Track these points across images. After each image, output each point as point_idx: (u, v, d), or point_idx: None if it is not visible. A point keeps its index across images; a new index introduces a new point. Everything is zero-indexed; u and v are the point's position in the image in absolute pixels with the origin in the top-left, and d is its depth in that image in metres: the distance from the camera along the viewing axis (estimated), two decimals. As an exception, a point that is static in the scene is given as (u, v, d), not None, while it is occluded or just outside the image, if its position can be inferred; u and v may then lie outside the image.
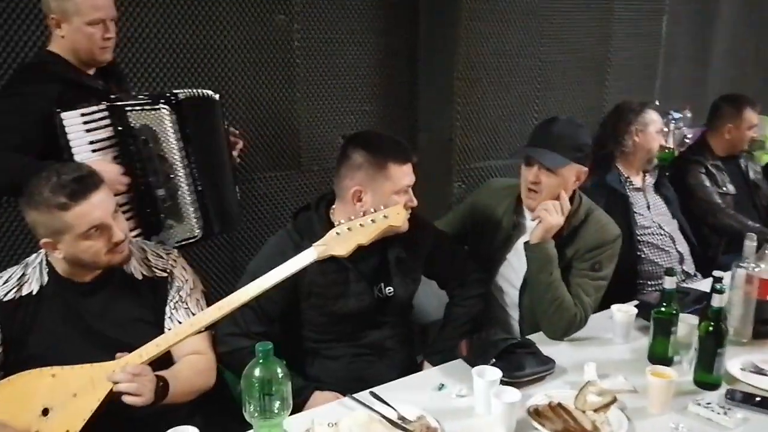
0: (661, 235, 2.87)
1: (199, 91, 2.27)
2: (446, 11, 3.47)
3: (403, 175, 1.91)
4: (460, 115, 3.55)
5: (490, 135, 3.69)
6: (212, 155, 2.32)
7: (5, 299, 1.73)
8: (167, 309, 1.83)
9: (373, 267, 2.02)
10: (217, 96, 2.33)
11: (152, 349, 1.64)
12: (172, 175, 2.19)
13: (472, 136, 3.62)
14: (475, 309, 2.20)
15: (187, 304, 1.85)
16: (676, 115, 4.51)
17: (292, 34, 3.20)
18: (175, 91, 2.20)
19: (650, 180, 2.99)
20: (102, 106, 2.11)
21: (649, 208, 2.92)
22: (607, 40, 4.02)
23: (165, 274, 1.86)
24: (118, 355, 1.64)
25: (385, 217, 1.69)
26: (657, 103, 4.34)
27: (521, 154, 2.19)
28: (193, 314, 1.82)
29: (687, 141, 4.37)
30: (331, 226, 1.75)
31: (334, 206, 2.02)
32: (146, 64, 2.85)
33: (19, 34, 2.56)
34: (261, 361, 1.40)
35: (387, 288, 2.04)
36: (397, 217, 1.71)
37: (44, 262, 1.78)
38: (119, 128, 2.13)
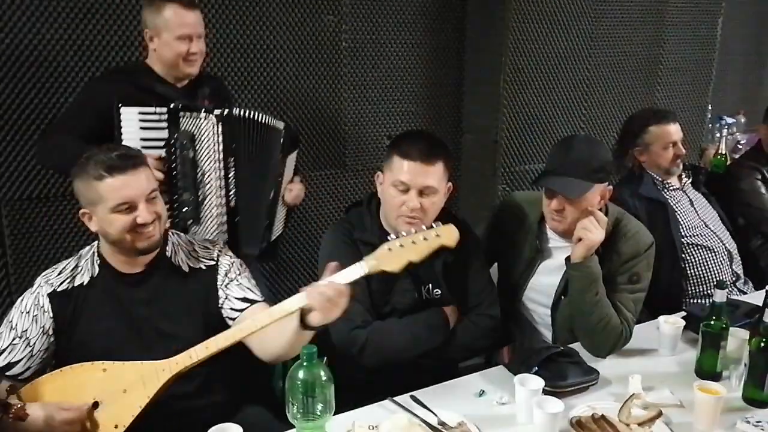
0: (709, 234, 2.79)
1: (266, 117, 2.32)
2: (494, 12, 3.44)
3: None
4: (506, 117, 3.52)
5: (536, 137, 3.65)
6: (258, 179, 2.34)
7: (59, 289, 1.79)
8: (220, 293, 1.85)
9: (423, 268, 2.00)
10: (281, 125, 2.35)
11: (201, 351, 1.65)
12: (201, 183, 2.25)
13: (518, 139, 3.59)
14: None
15: (238, 280, 1.88)
16: (729, 120, 4.39)
17: (341, 35, 3.23)
18: (254, 113, 2.29)
19: (686, 180, 2.90)
20: (162, 110, 2.21)
21: (692, 204, 2.83)
22: (659, 43, 3.93)
23: (212, 262, 1.89)
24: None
25: (437, 236, 1.69)
26: (710, 107, 4.25)
27: (540, 184, 2.12)
28: (248, 288, 1.87)
29: (740, 147, 4.26)
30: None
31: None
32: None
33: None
34: (305, 363, 1.41)
35: (435, 290, 2.06)
36: (450, 237, 1.71)
37: (96, 254, 1.83)
38: (171, 130, 2.22)
